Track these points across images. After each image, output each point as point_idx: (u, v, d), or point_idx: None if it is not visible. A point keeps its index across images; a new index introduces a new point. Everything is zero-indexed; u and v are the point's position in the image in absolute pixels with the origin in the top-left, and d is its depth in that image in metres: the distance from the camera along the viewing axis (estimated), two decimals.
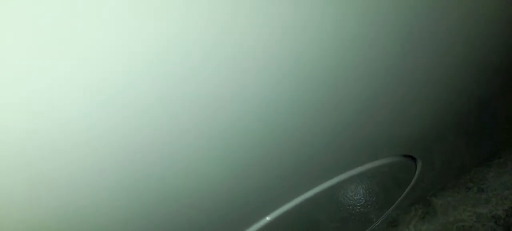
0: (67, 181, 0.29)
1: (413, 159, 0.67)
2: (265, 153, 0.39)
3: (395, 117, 0.49)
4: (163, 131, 0.30)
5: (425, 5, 0.36)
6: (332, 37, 0.31)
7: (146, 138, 0.30)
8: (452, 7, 0.38)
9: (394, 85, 0.43)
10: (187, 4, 0.24)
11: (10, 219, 0.30)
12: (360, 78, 0.38)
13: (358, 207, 0.74)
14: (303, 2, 0.28)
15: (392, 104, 0.46)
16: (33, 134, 0.25)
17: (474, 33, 0.45)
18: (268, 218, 0.51)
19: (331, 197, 0.59)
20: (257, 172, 0.42)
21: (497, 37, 0.50)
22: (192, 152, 0.34)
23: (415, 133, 0.58)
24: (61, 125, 0.26)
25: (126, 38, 0.23)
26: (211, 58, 0.27)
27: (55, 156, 0.27)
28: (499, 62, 0.57)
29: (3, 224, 0.30)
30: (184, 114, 0.30)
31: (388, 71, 0.40)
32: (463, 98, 0.59)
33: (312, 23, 0.29)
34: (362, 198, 0.71)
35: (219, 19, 0.25)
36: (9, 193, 0.28)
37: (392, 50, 0.37)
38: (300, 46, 0.30)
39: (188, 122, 0.30)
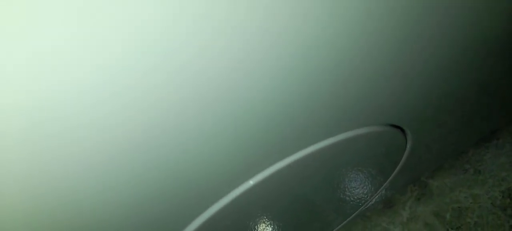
0: (64, 179, 0.30)
1: (404, 132, 0.66)
2: (248, 114, 0.39)
3: (386, 84, 0.49)
4: (151, 106, 0.30)
5: None
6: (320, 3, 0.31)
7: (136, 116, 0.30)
8: None
9: (387, 54, 0.42)
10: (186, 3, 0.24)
11: (10, 219, 0.30)
12: (350, 39, 0.38)
13: (350, 184, 0.74)
14: None
15: (384, 72, 0.46)
16: (33, 133, 0.26)
17: (471, 11, 0.44)
18: (251, 182, 0.50)
19: (319, 167, 0.58)
20: (240, 134, 0.42)
21: (495, 17, 0.50)
22: (173, 118, 0.34)
23: (406, 104, 0.58)
24: (59, 124, 0.26)
25: (125, 37, 0.24)
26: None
27: (53, 155, 0.28)
28: (498, 39, 0.56)
29: (3, 224, 0.30)
30: (166, 81, 0.30)
31: (379, 40, 0.39)
32: (460, 76, 0.58)
33: None
34: (353, 174, 0.70)
35: None
36: (9, 192, 0.28)
37: (387, 18, 0.37)
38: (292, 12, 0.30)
39: (171, 90, 0.31)
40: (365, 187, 0.79)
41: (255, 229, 0.65)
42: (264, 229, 0.67)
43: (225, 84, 0.34)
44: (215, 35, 0.30)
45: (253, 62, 0.34)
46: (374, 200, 0.88)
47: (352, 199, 0.82)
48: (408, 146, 0.71)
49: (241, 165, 0.48)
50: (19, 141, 0.27)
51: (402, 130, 0.65)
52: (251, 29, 0.31)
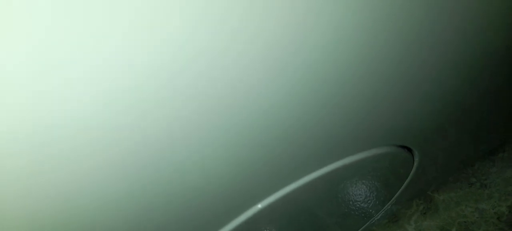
0: (66, 181, 0.30)
1: (410, 151, 0.66)
2: (258, 139, 0.39)
3: (393, 106, 0.48)
4: (157, 123, 0.30)
5: None
6: (327, 23, 0.31)
7: (137, 131, 0.30)
8: None
9: (392, 74, 0.42)
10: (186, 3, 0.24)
11: (11, 219, 0.30)
12: (356, 65, 0.38)
13: (357, 201, 0.74)
14: None
15: (389, 93, 0.45)
16: (34, 133, 0.25)
17: (477, 22, 0.44)
18: (259, 206, 0.50)
19: (327, 187, 0.58)
20: (250, 159, 0.42)
21: (501, 27, 0.49)
22: (182, 142, 0.34)
23: (413, 124, 0.57)
24: (61, 125, 0.26)
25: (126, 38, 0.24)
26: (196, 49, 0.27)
27: (55, 156, 0.27)
28: (503, 52, 0.56)
29: (3, 224, 0.30)
30: (175, 105, 0.30)
31: (386, 60, 0.39)
32: (465, 90, 0.58)
33: (308, 9, 0.29)
34: (359, 191, 0.70)
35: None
36: (10, 192, 0.28)
37: (390, 39, 0.37)
38: (296, 33, 0.30)
39: (178, 114, 0.30)
40: (371, 203, 0.78)
41: None
42: None
43: (236, 106, 0.34)
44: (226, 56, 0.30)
45: (261, 87, 0.33)
46: (379, 215, 0.88)
47: (357, 214, 0.82)
48: (415, 164, 0.71)
49: (250, 188, 0.48)
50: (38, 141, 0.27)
51: (409, 149, 0.65)
52: (257, 50, 0.31)
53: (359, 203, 0.75)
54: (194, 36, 0.26)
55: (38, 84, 0.23)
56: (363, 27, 0.34)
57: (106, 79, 0.25)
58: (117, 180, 0.34)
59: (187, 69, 0.28)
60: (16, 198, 0.29)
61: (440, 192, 1.00)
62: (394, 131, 0.56)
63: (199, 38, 0.27)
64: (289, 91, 0.36)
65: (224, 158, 0.39)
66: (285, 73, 0.33)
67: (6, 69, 0.22)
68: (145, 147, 0.32)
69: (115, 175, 0.33)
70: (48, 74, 0.23)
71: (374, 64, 0.40)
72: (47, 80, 0.23)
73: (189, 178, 0.39)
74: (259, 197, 0.50)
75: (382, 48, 0.38)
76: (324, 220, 0.75)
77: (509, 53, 0.57)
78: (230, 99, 0.33)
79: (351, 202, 0.73)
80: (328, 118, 0.43)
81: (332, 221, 0.78)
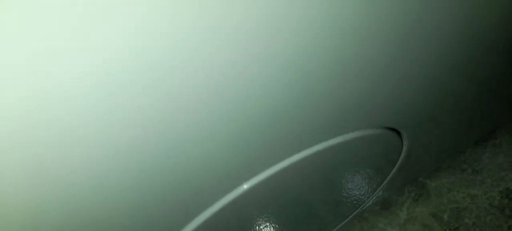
0: (63, 177, 0.30)
1: (400, 135, 0.66)
2: (242, 117, 0.39)
3: (382, 88, 0.48)
4: (147, 107, 0.30)
5: None
6: (319, 9, 0.31)
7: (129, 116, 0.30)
8: None
9: (384, 58, 0.42)
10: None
11: (11, 219, 0.30)
12: (346, 42, 0.37)
13: (347, 185, 0.74)
14: None
15: (380, 76, 0.45)
16: (35, 131, 0.25)
17: (470, 11, 0.44)
18: (245, 186, 0.50)
19: (315, 170, 0.58)
20: (235, 138, 0.41)
21: (494, 15, 0.49)
22: (166, 123, 0.34)
23: (402, 106, 0.57)
24: (59, 123, 0.26)
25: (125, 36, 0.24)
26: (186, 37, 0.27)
27: (53, 153, 0.28)
28: (496, 40, 0.56)
29: (3, 224, 0.30)
30: (162, 84, 0.30)
31: (377, 42, 0.39)
32: (456, 76, 0.58)
33: None
34: (349, 175, 0.70)
35: None
36: (10, 192, 0.28)
37: (384, 20, 0.37)
38: (288, 12, 0.30)
39: (161, 94, 0.30)
40: (362, 189, 0.78)
41: None
42: None
43: (221, 86, 0.34)
44: (212, 36, 0.29)
45: (251, 65, 0.33)
46: (371, 202, 0.88)
47: (349, 200, 0.82)
48: (405, 148, 0.71)
49: (235, 168, 0.47)
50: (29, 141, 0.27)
51: (398, 132, 0.65)
52: (249, 32, 0.31)
53: (349, 188, 0.75)
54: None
55: (38, 84, 0.23)
56: (358, 10, 0.34)
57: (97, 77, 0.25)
58: (107, 161, 0.34)
59: (171, 49, 0.28)
60: (16, 197, 0.29)
61: (432, 179, 1.00)
62: (383, 112, 0.56)
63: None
64: (277, 69, 0.36)
65: (208, 137, 0.39)
66: (273, 52, 0.33)
67: (6, 69, 0.22)
68: (129, 128, 0.32)
69: (105, 155, 0.33)
70: (47, 74, 0.23)
71: (367, 47, 0.40)
72: (47, 80, 0.23)
73: (172, 158, 0.39)
74: (245, 176, 0.50)
75: (375, 32, 0.38)
76: (315, 206, 0.75)
77: (501, 41, 0.57)
78: (215, 78, 0.32)
79: (341, 186, 0.73)
80: (316, 97, 0.43)
81: (323, 207, 0.78)
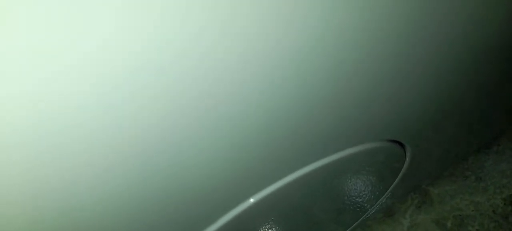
0: (62, 179, 0.30)
1: (403, 145, 0.66)
2: (250, 133, 0.39)
3: (385, 102, 0.49)
4: (151, 118, 0.30)
5: None
6: (322, 19, 0.31)
7: (135, 126, 0.30)
8: None
9: (385, 71, 0.42)
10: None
11: (11, 219, 0.31)
12: (349, 60, 0.38)
13: (351, 195, 0.74)
14: None
15: (382, 89, 0.46)
16: (35, 132, 0.26)
17: (471, 18, 0.44)
18: (252, 200, 0.51)
19: (320, 182, 0.59)
20: (242, 153, 0.42)
21: (495, 22, 0.50)
22: (173, 138, 0.34)
23: (404, 119, 0.58)
24: (60, 123, 0.26)
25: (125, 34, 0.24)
26: (194, 44, 0.27)
27: (54, 155, 0.28)
28: (497, 47, 0.56)
29: (4, 224, 0.30)
30: (169, 101, 0.30)
31: (378, 55, 0.40)
32: (459, 85, 0.58)
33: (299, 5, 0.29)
34: (353, 185, 0.71)
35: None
36: (11, 192, 0.28)
37: (384, 33, 0.37)
38: (288, 28, 0.31)
39: (169, 110, 0.31)
40: (365, 198, 0.79)
41: None
42: None
43: (228, 101, 0.34)
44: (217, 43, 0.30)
45: (254, 82, 0.34)
46: (374, 210, 0.89)
47: (352, 209, 0.82)
48: (408, 158, 0.71)
49: (242, 182, 0.48)
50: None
51: (401, 144, 0.65)
52: (256, 50, 0.31)
53: (353, 197, 0.76)
54: (187, 31, 0.27)
55: (38, 84, 0.23)
56: (358, 23, 0.35)
57: (104, 78, 0.26)
58: (112, 177, 0.34)
59: (179, 65, 0.28)
60: (16, 198, 0.29)
61: (435, 186, 1.01)
62: (386, 126, 0.56)
63: (190, 33, 0.27)
64: (283, 86, 0.36)
65: (215, 152, 0.40)
66: (278, 68, 0.34)
67: (6, 69, 0.22)
68: (137, 143, 0.32)
69: (111, 171, 0.34)
70: (47, 74, 0.23)
71: (368, 61, 0.40)
72: (47, 81, 0.23)
73: (179, 173, 0.39)
74: (251, 191, 0.51)
75: (376, 44, 0.38)
76: (318, 215, 0.75)
77: (503, 47, 0.57)
78: (222, 95, 0.33)
79: (345, 197, 0.73)
80: (321, 113, 0.43)
81: (327, 215, 0.79)
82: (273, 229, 0.66)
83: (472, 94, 0.66)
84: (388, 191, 0.80)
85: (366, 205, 0.83)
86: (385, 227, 0.99)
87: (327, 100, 0.42)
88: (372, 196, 0.80)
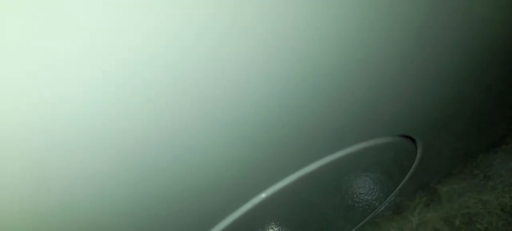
0: (66, 179, 0.30)
1: (414, 141, 0.66)
2: (260, 128, 0.39)
3: (396, 95, 0.49)
4: (159, 114, 0.30)
5: None
6: (330, 13, 0.31)
7: (140, 121, 0.30)
8: None
9: (397, 66, 0.42)
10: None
11: (11, 219, 0.31)
12: (359, 53, 0.38)
13: (360, 192, 0.74)
14: None
15: (392, 82, 0.45)
16: (35, 132, 0.26)
17: (483, 16, 0.44)
18: (263, 195, 0.51)
19: (330, 177, 0.58)
20: (253, 148, 0.42)
21: (506, 21, 0.49)
22: (186, 128, 0.34)
23: (417, 114, 0.57)
24: (61, 123, 0.26)
25: (125, 33, 0.24)
26: (199, 44, 0.27)
27: (55, 154, 0.28)
28: (507, 45, 0.56)
29: (4, 225, 0.30)
30: (177, 97, 0.30)
31: (389, 49, 0.39)
32: (469, 82, 0.58)
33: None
34: (363, 182, 0.70)
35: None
36: (11, 193, 0.28)
37: (394, 28, 0.37)
38: (303, 21, 0.30)
39: (181, 103, 0.31)
40: (375, 195, 0.79)
41: None
42: None
43: (240, 97, 0.34)
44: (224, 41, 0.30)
45: (263, 75, 0.34)
46: (383, 207, 0.88)
47: (361, 206, 0.82)
48: (418, 155, 0.71)
49: (254, 177, 0.48)
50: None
51: (413, 140, 0.65)
52: (265, 49, 0.31)
53: (363, 194, 0.75)
54: (190, 31, 0.26)
55: (38, 85, 0.23)
56: (367, 17, 0.34)
57: (106, 79, 0.26)
58: (121, 170, 0.34)
59: (185, 63, 0.28)
60: (16, 199, 0.29)
61: (443, 184, 1.00)
62: (398, 120, 0.56)
63: (194, 32, 0.27)
64: (293, 80, 0.36)
65: (228, 147, 0.40)
66: (288, 61, 0.33)
67: (6, 70, 0.22)
68: (148, 138, 0.32)
69: (119, 166, 0.34)
70: (47, 75, 0.23)
71: (380, 56, 0.40)
72: (47, 81, 0.23)
73: (192, 167, 0.39)
74: (263, 186, 0.51)
75: (387, 39, 0.38)
76: (327, 212, 0.75)
77: None
78: (233, 89, 0.33)
79: (355, 194, 0.73)
80: (332, 107, 0.43)
81: (336, 212, 0.79)
82: (283, 225, 0.66)
83: (482, 91, 0.66)
84: (398, 188, 0.80)
85: (375, 202, 0.82)
86: (394, 224, 0.98)
87: (338, 94, 0.42)
88: (382, 193, 0.80)
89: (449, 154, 0.86)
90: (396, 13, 0.36)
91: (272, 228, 0.63)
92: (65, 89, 0.25)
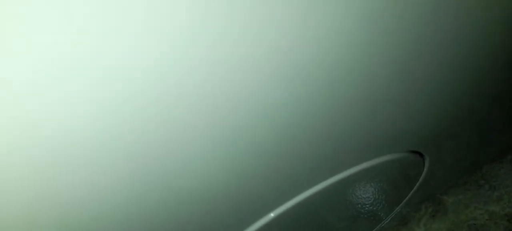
0: (70, 181, 0.30)
1: (421, 155, 0.66)
2: (270, 148, 0.39)
3: (402, 112, 0.48)
4: (169, 130, 0.30)
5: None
6: (337, 29, 0.31)
7: (152, 136, 0.30)
8: (463, 2, 0.38)
9: (401, 80, 0.42)
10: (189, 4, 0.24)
11: (11, 220, 0.30)
12: (367, 73, 0.38)
13: (367, 205, 0.74)
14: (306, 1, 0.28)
15: (399, 100, 0.45)
16: (35, 134, 0.25)
17: (485, 28, 0.44)
18: (272, 215, 0.50)
19: (338, 193, 0.58)
20: (262, 168, 0.42)
21: (507, 32, 0.49)
22: (196, 149, 0.34)
23: (423, 129, 0.57)
24: (63, 126, 0.26)
25: (126, 38, 0.24)
26: (213, 57, 0.27)
27: (58, 156, 0.27)
28: (509, 57, 0.56)
29: (4, 225, 0.30)
30: (188, 113, 0.30)
31: (395, 66, 0.39)
32: (473, 94, 0.58)
33: (315, 17, 0.29)
34: (370, 195, 0.70)
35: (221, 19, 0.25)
36: (12, 194, 0.28)
37: (398, 44, 0.37)
38: (305, 40, 0.30)
39: (191, 120, 0.31)
40: (381, 207, 0.78)
41: None
42: None
43: (248, 119, 0.34)
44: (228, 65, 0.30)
45: (275, 96, 0.34)
46: (389, 219, 0.88)
47: (368, 218, 0.82)
48: (426, 168, 0.71)
49: (262, 197, 0.48)
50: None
51: (421, 154, 0.65)
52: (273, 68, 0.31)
53: (369, 207, 0.75)
54: (205, 41, 0.26)
55: (40, 88, 0.23)
56: (376, 41, 0.34)
57: (119, 82, 0.25)
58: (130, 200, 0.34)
59: (199, 78, 0.28)
60: (18, 200, 0.29)
61: (449, 194, 1.00)
62: (406, 137, 0.56)
63: (206, 42, 0.27)
64: (305, 102, 0.36)
65: (237, 167, 0.40)
66: (301, 84, 0.33)
67: (7, 72, 0.22)
68: (158, 155, 0.32)
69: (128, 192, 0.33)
70: (50, 77, 0.23)
71: (389, 80, 0.40)
72: (49, 83, 0.23)
73: (201, 187, 0.39)
74: (272, 205, 0.50)
75: (394, 62, 0.38)
76: (334, 224, 0.75)
77: None
78: (244, 111, 0.33)
79: (361, 207, 0.73)
80: (341, 127, 0.43)
81: (342, 224, 0.78)
82: None
83: (488, 104, 0.66)
84: (405, 200, 0.80)
85: (381, 214, 0.82)
86: None
87: (349, 112, 0.42)
88: (389, 206, 0.80)
89: (455, 165, 0.86)
90: (400, 31, 0.36)
91: None
92: (70, 92, 0.24)
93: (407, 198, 0.79)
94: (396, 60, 0.39)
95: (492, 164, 1.01)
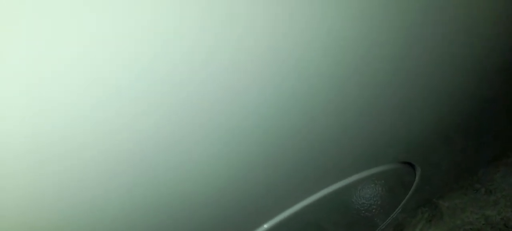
0: (71, 182, 0.30)
1: (412, 165, 0.66)
2: (263, 159, 0.40)
3: (393, 123, 0.49)
4: (165, 134, 0.31)
5: (425, 5, 0.36)
6: (331, 39, 0.32)
7: (149, 141, 0.30)
8: (452, 7, 0.38)
9: (392, 91, 0.43)
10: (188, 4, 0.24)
11: (12, 221, 0.31)
12: (358, 86, 0.38)
13: (362, 212, 0.74)
14: (306, 4, 0.28)
15: (390, 111, 0.46)
16: (36, 135, 0.26)
17: (475, 32, 0.45)
18: (265, 226, 0.51)
19: (332, 204, 0.59)
20: (255, 180, 0.42)
21: (498, 36, 0.50)
22: (190, 157, 0.34)
23: (414, 139, 0.58)
24: (64, 126, 0.26)
25: (127, 37, 0.24)
26: (213, 59, 0.27)
27: (59, 157, 0.28)
28: (501, 60, 0.56)
29: (4, 225, 0.31)
30: (186, 118, 0.30)
31: (385, 77, 0.40)
32: (465, 99, 0.58)
33: (312, 26, 0.30)
34: (364, 203, 0.70)
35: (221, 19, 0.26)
36: (12, 194, 0.29)
37: (389, 52, 0.37)
38: (300, 50, 0.31)
39: (188, 126, 0.31)
40: (376, 216, 0.79)
41: None
42: None
43: (241, 128, 0.34)
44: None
45: (268, 106, 0.34)
46: (385, 225, 0.88)
47: (363, 225, 0.82)
48: (417, 177, 0.71)
49: (256, 209, 0.48)
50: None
51: (411, 164, 0.65)
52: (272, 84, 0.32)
53: (363, 217, 0.75)
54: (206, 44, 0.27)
55: (38, 87, 0.23)
56: (371, 51, 0.35)
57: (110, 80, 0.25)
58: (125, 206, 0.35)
59: (199, 74, 0.28)
60: (16, 199, 0.29)
61: (445, 199, 1.00)
62: (395, 149, 0.56)
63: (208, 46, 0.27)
64: (298, 115, 0.36)
65: (230, 179, 0.40)
66: (293, 95, 0.34)
67: (7, 71, 0.22)
68: (151, 164, 0.32)
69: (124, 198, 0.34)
70: (47, 76, 0.23)
71: (380, 90, 0.40)
72: (47, 82, 0.23)
73: (193, 198, 0.40)
74: (265, 217, 0.51)
75: (387, 72, 0.39)
76: None
77: (507, 61, 0.57)
78: (237, 120, 0.33)
79: (355, 217, 0.73)
80: (333, 139, 0.44)
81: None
82: None
83: (481, 108, 0.66)
84: (399, 207, 0.80)
85: (377, 220, 0.82)
86: None
87: (340, 125, 0.42)
88: (384, 212, 0.80)
89: (450, 170, 0.86)
90: (391, 39, 0.36)
91: None
92: (68, 91, 0.24)
93: (401, 204, 0.80)
94: (386, 70, 0.39)
95: (488, 168, 1.01)
